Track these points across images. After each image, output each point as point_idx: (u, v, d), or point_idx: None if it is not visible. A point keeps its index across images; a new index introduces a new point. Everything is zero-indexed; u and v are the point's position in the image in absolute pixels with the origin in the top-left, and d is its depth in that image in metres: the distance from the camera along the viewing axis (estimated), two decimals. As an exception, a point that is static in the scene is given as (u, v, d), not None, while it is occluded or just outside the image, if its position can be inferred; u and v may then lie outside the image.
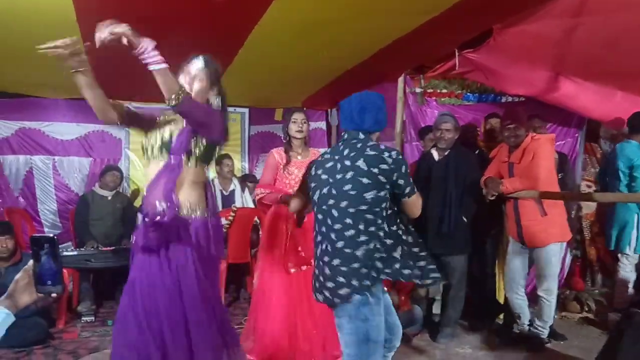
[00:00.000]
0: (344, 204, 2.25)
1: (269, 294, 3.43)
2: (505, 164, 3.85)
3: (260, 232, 5.23)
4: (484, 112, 5.10)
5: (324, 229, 2.33)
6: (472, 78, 4.78)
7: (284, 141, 3.57)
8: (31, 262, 1.42)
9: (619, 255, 4.57)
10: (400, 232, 2.33)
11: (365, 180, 2.23)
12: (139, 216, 2.33)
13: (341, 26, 3.52)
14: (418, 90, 5.09)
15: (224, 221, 4.97)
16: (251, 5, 3.16)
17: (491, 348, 3.97)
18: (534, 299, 4.02)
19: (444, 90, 5.17)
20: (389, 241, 2.27)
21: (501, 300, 4.39)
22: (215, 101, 2.46)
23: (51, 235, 1.44)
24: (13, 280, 1.45)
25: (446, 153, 4.05)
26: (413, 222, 4.17)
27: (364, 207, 2.23)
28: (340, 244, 2.24)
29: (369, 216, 2.23)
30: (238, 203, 5.46)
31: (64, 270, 4.39)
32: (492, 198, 3.84)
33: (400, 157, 2.31)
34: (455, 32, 3.75)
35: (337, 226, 2.26)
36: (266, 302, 3.47)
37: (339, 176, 2.29)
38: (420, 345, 3.99)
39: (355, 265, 2.21)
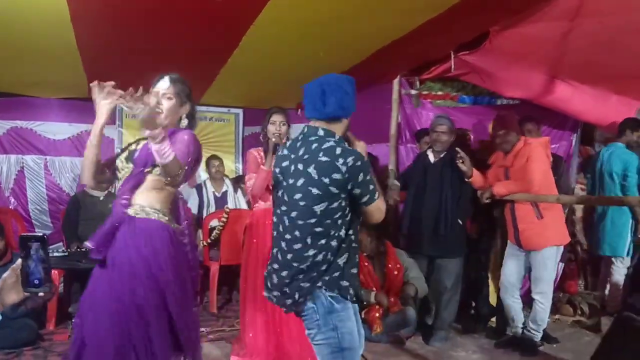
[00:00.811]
0: (293, 214, 2.11)
1: (254, 295, 3.41)
2: (502, 168, 3.87)
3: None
4: (478, 114, 5.09)
5: (275, 233, 2.24)
6: (468, 80, 4.77)
7: (262, 141, 3.53)
8: (19, 260, 1.40)
9: (613, 259, 4.58)
10: (353, 238, 2.16)
11: (314, 191, 2.05)
12: None
13: (337, 27, 3.51)
14: (413, 92, 5.07)
15: (216, 223, 4.96)
16: (247, 5, 3.14)
17: (485, 351, 3.96)
18: (528, 301, 4.02)
19: (439, 92, 5.15)
20: (342, 246, 2.11)
21: (493, 303, 4.38)
22: (184, 122, 2.38)
23: (41, 234, 1.42)
24: (0, 279, 1.43)
25: (442, 155, 4.04)
26: (408, 224, 4.19)
27: (312, 220, 2.07)
28: (289, 256, 2.13)
29: (319, 229, 2.07)
30: (231, 204, 5.43)
31: (54, 272, 4.36)
32: (487, 201, 3.85)
33: (359, 163, 2.05)
34: (452, 34, 3.75)
35: (287, 236, 2.14)
36: (253, 304, 3.46)
37: (291, 181, 2.14)
38: (413, 348, 3.98)
39: (300, 279, 2.10)
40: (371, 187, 2.09)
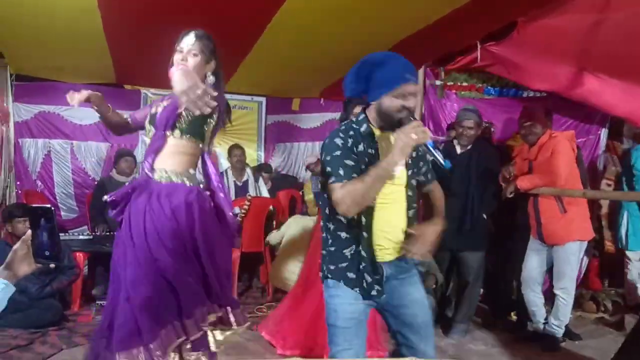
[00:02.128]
0: None
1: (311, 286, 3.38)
2: (526, 161, 3.82)
3: (275, 222, 5.26)
4: (504, 106, 5.02)
5: None
6: (493, 72, 4.70)
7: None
8: (29, 232, 1.41)
9: (628, 253, 4.54)
10: (335, 227, 2.08)
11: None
12: None
13: (363, 14, 3.48)
14: (438, 82, 5.02)
15: (238, 210, 4.99)
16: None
17: (505, 345, 3.93)
18: (549, 297, 3.97)
19: (465, 84, 5.09)
20: (328, 233, 2.10)
21: (514, 297, 4.35)
22: (210, 78, 2.34)
23: (48, 206, 1.44)
24: (11, 250, 1.45)
25: (468, 147, 3.99)
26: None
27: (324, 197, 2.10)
28: None
29: (321, 204, 2.17)
30: (252, 193, 5.45)
31: (79, 254, 4.45)
32: (511, 195, 3.80)
33: (328, 141, 2.01)
34: (479, 24, 3.69)
35: None
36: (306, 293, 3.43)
37: None
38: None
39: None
40: (333, 169, 1.95)
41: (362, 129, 2.05)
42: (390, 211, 2.05)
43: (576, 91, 4.33)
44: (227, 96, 6.89)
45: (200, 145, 2.32)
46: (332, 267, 2.08)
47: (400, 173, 2.05)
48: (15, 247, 1.44)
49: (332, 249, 2.08)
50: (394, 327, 2.14)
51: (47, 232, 1.39)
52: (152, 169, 2.25)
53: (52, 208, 1.42)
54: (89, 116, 6.00)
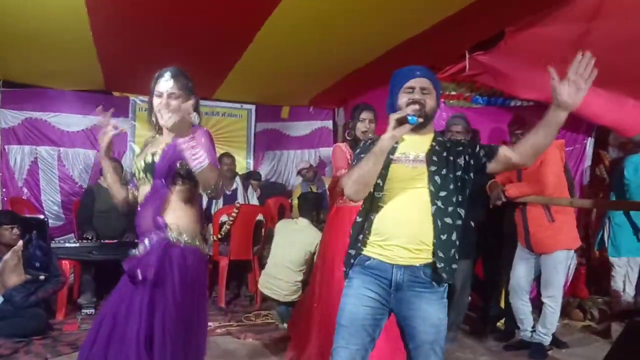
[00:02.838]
0: None
1: (329, 295, 3.28)
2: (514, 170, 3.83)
3: (264, 229, 5.24)
4: (492, 115, 5.05)
5: None
6: (482, 81, 4.74)
7: (347, 137, 3.38)
8: (20, 242, 1.40)
9: (612, 260, 4.60)
10: (360, 220, 2.14)
11: None
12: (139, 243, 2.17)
13: (351, 25, 3.50)
14: (426, 91, 5.04)
15: (226, 218, 4.97)
16: (261, 1, 3.14)
17: (493, 353, 3.94)
18: (537, 305, 3.99)
19: (453, 93, 5.12)
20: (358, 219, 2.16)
21: (502, 305, 4.36)
22: (195, 117, 2.22)
23: (41, 217, 1.43)
24: (2, 261, 1.43)
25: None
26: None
27: None
28: None
29: None
30: (241, 201, 5.43)
31: (65, 262, 4.40)
32: (498, 204, 3.82)
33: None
34: (467, 33, 3.73)
35: None
36: (327, 302, 3.31)
37: None
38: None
39: None
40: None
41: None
42: (404, 209, 2.03)
43: (563, 101, 4.36)
44: (217, 104, 6.92)
45: (219, 190, 2.18)
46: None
47: (419, 169, 2.03)
48: (5, 257, 1.42)
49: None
50: (403, 338, 2.10)
51: (39, 244, 1.38)
52: (165, 226, 2.10)
53: (45, 219, 1.41)
54: (77, 123, 5.99)
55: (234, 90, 5.78)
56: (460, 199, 2.06)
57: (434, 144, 2.09)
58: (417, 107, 1.99)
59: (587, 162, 5.19)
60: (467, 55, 4.09)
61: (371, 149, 1.98)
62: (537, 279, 3.94)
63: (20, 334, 3.77)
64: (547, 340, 3.84)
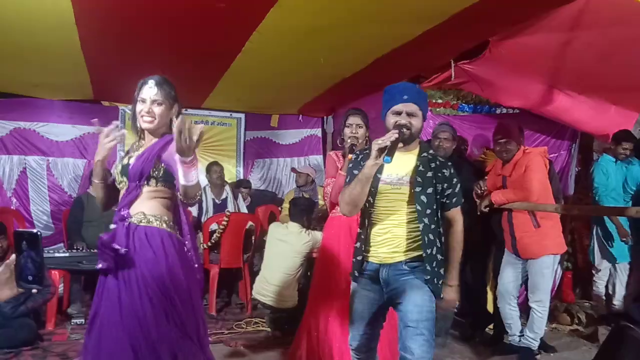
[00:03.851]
0: None
1: (328, 302, 3.35)
2: (500, 177, 3.89)
3: (254, 238, 5.25)
4: (478, 123, 5.12)
5: None
6: (467, 89, 4.80)
7: (340, 145, 3.39)
8: (13, 256, 1.41)
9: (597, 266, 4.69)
10: (360, 232, 2.44)
11: None
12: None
13: (339, 34, 3.54)
14: (413, 99, 5.10)
15: (216, 226, 4.98)
16: (250, 10, 3.18)
17: (482, 358, 3.97)
18: (525, 310, 4.04)
19: (439, 101, 5.18)
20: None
21: (491, 311, 4.40)
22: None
23: (34, 230, 1.43)
24: None
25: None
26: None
27: None
28: None
29: None
30: (231, 210, 5.45)
31: (55, 272, 4.39)
32: (485, 210, 3.87)
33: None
34: (452, 43, 3.78)
35: None
36: (324, 311, 3.37)
37: None
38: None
39: None
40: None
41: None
42: (389, 222, 2.33)
43: (547, 108, 4.44)
44: (206, 112, 6.93)
45: (173, 191, 2.29)
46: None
47: (402, 187, 2.32)
48: None
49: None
50: (398, 325, 2.33)
51: (32, 257, 1.38)
52: (129, 216, 2.21)
53: (39, 233, 1.42)
54: (66, 132, 5.98)
55: (224, 99, 5.81)
56: (440, 217, 2.35)
57: (418, 163, 2.34)
58: (394, 137, 2.16)
59: (573, 167, 5.27)
60: (453, 64, 4.14)
61: (360, 165, 2.29)
62: (525, 283, 4.00)
63: (10, 345, 3.75)
64: (535, 344, 3.88)
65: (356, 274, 2.42)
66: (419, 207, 2.27)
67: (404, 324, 2.25)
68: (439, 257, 2.31)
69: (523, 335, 3.90)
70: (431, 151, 2.42)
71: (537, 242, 3.74)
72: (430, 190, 2.29)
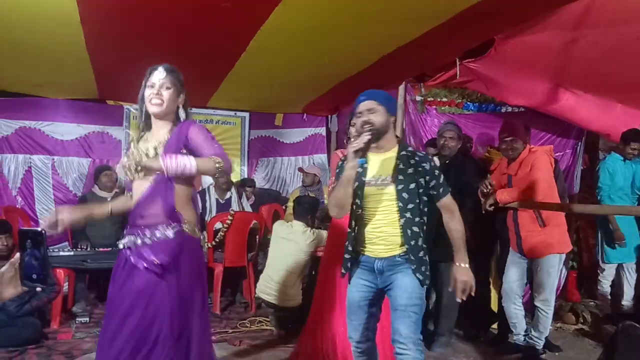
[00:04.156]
0: None
1: (334, 301, 3.39)
2: (505, 175, 3.87)
3: (258, 236, 5.25)
4: (483, 121, 5.11)
5: None
6: (472, 87, 4.79)
7: (346, 143, 3.37)
8: (18, 255, 1.41)
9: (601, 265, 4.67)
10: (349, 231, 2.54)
11: None
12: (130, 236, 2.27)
13: (344, 33, 3.53)
14: (418, 98, 5.10)
15: (220, 225, 4.99)
16: (254, 10, 3.17)
17: (486, 358, 3.96)
18: (530, 309, 4.02)
19: (444, 99, 5.18)
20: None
21: (495, 310, 4.39)
22: (182, 113, 2.35)
23: (39, 229, 1.43)
24: None
25: (447, 161, 4.06)
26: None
27: None
28: None
29: None
30: (235, 209, 5.44)
31: (60, 271, 4.40)
32: (490, 209, 3.85)
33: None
34: (457, 42, 3.76)
35: None
36: (329, 310, 3.41)
37: None
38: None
39: None
40: None
41: None
42: (378, 222, 2.45)
43: (552, 106, 4.42)
44: (211, 111, 6.94)
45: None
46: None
47: (386, 188, 2.43)
48: (2, 269, 1.43)
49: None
50: (390, 311, 2.48)
51: (37, 256, 1.38)
52: (185, 220, 2.26)
53: (44, 231, 1.41)
54: (71, 132, 6.00)
55: (228, 98, 5.81)
56: (424, 208, 2.46)
57: (398, 162, 2.45)
58: (366, 138, 2.30)
59: (578, 166, 5.25)
60: (458, 63, 4.13)
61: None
62: (530, 283, 3.98)
63: (15, 343, 3.76)
64: (540, 344, 3.86)
65: (344, 272, 2.55)
66: (400, 204, 2.39)
67: (394, 308, 2.42)
68: (425, 246, 2.44)
69: (528, 335, 3.89)
70: (410, 148, 2.53)
71: (542, 241, 3.72)
72: (412, 185, 2.41)
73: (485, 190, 3.90)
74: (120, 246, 2.31)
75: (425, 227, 2.46)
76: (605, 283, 4.76)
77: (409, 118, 5.10)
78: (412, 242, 2.39)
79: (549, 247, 3.73)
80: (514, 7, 3.15)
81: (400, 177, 2.41)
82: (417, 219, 2.41)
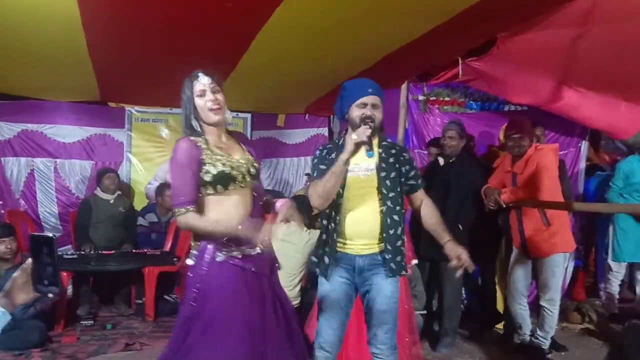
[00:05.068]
0: None
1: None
2: (509, 174, 3.84)
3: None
4: (486, 120, 5.09)
5: None
6: (475, 86, 4.77)
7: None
8: (29, 260, 1.40)
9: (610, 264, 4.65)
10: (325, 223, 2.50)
11: None
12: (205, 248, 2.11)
13: (346, 33, 3.52)
14: (421, 97, 5.09)
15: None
16: (256, 10, 3.16)
17: (491, 358, 3.95)
18: (535, 309, 4.01)
19: (447, 98, 5.16)
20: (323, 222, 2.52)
21: (500, 310, 4.37)
22: (229, 115, 2.28)
23: (50, 235, 1.43)
24: (11, 278, 1.44)
25: (451, 160, 4.04)
26: (413, 226, 4.22)
27: None
28: None
29: None
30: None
31: (64, 274, 4.40)
32: (493, 208, 3.82)
33: (315, 153, 2.58)
34: (460, 40, 3.74)
35: None
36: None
37: None
38: (420, 355, 3.96)
39: None
40: (312, 173, 2.54)
41: (341, 141, 2.53)
42: (361, 211, 2.45)
43: (556, 104, 4.40)
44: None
45: None
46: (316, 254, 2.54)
47: (370, 176, 2.46)
48: (14, 275, 1.43)
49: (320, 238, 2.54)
50: (364, 310, 2.52)
51: (48, 261, 1.37)
52: None
53: (54, 237, 1.40)
54: (73, 134, 5.99)
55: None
56: (402, 199, 2.50)
57: (380, 150, 2.49)
58: (368, 132, 2.28)
59: (582, 165, 5.22)
60: (460, 61, 4.12)
61: (327, 159, 2.45)
62: (535, 282, 3.96)
63: (20, 347, 3.77)
64: (545, 343, 3.85)
65: (328, 264, 2.48)
66: (384, 191, 2.43)
67: (373, 312, 2.45)
68: (403, 237, 2.48)
69: (533, 335, 3.88)
70: (388, 139, 2.63)
71: (547, 241, 3.70)
72: (393, 174, 2.46)
73: (492, 207, 3.83)
74: (229, 258, 2.11)
75: (404, 218, 2.50)
76: (614, 282, 4.72)
77: (412, 117, 5.09)
78: (391, 231, 2.42)
79: (554, 246, 3.72)
80: (517, 5, 3.13)
81: (383, 165, 2.46)
82: (397, 208, 2.45)
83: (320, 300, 2.51)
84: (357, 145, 2.26)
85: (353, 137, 2.27)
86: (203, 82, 2.17)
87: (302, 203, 4.63)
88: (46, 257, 1.37)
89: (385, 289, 2.43)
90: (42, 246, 1.37)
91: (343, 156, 2.28)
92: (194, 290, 2.07)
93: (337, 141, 2.59)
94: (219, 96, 2.20)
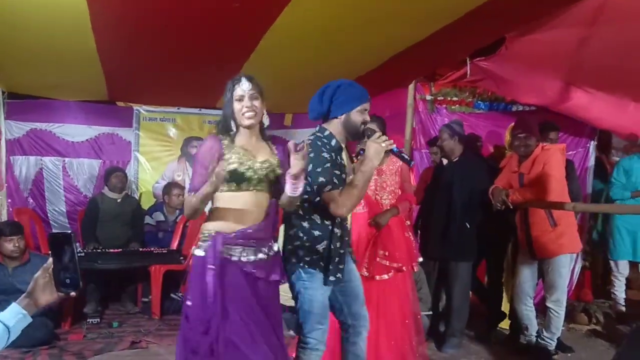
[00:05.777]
0: None
1: None
2: (516, 174, 3.82)
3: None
4: (494, 120, 5.07)
5: None
6: (483, 86, 4.76)
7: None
8: (50, 260, 1.37)
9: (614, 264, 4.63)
10: (331, 227, 2.47)
11: None
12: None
13: (353, 33, 3.52)
14: (428, 97, 5.08)
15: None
16: (264, 10, 3.17)
17: (498, 358, 3.93)
18: (542, 309, 3.99)
19: (455, 98, 5.15)
20: (316, 232, 2.46)
21: (506, 310, 4.36)
22: (266, 119, 2.38)
23: (68, 232, 1.40)
24: (32, 279, 1.39)
25: (454, 160, 4.03)
26: (421, 226, 4.21)
27: None
28: None
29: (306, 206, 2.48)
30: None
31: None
32: (501, 208, 3.80)
33: (314, 155, 2.40)
34: (468, 40, 3.73)
35: None
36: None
37: None
38: (425, 355, 3.95)
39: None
40: (320, 178, 2.36)
41: (332, 143, 2.49)
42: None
43: (564, 105, 4.39)
44: (220, 112, 6.92)
45: None
46: (307, 259, 2.45)
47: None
48: (36, 275, 1.38)
49: (308, 244, 2.45)
50: (341, 301, 2.59)
51: (68, 259, 1.34)
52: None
53: (73, 233, 1.38)
54: (81, 133, 6.01)
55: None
56: None
57: (353, 155, 2.74)
58: (392, 142, 2.38)
59: (591, 165, 5.19)
60: (468, 62, 4.11)
61: (337, 163, 2.45)
62: (542, 283, 3.94)
63: (27, 344, 3.76)
64: (552, 344, 3.83)
65: (321, 265, 2.47)
66: None
67: (355, 295, 2.59)
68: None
69: (540, 335, 3.86)
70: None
71: (553, 241, 3.68)
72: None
73: (499, 207, 3.80)
74: (235, 258, 2.19)
75: None
76: (619, 283, 4.69)
77: (419, 117, 5.08)
78: None
79: (561, 247, 3.69)
80: (525, 5, 3.12)
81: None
82: None
83: (310, 302, 2.47)
84: (387, 153, 2.39)
85: (383, 145, 2.32)
86: (243, 87, 2.26)
87: None
88: (67, 255, 1.35)
89: (355, 271, 2.68)
90: (62, 244, 1.35)
91: (376, 163, 2.34)
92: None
93: (325, 141, 2.49)
94: (256, 103, 2.28)
